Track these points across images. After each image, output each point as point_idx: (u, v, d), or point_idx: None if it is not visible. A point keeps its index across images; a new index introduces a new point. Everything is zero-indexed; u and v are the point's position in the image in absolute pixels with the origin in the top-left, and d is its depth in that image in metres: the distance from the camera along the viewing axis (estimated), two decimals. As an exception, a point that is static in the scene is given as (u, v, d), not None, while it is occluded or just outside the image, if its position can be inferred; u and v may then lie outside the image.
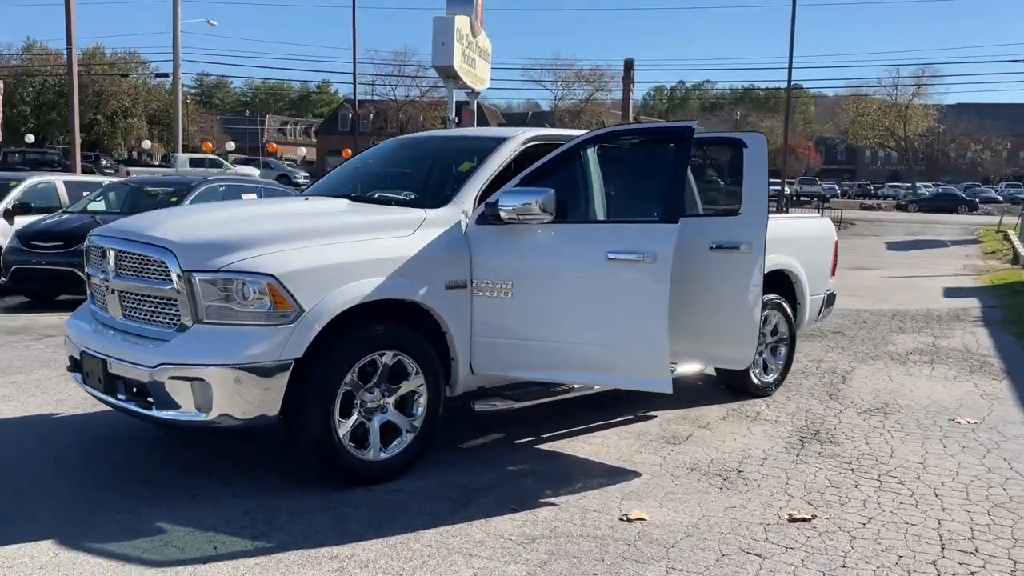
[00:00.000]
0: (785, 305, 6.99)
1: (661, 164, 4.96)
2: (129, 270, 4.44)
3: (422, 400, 4.71)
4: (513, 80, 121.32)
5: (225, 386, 4.03)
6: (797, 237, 7.19)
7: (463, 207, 4.91)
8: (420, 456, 4.75)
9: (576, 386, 5.32)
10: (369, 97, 71.06)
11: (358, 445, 4.49)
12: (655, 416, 6.17)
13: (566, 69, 71.14)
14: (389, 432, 4.63)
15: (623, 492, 4.57)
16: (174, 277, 4.16)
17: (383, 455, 4.57)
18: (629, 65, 58.23)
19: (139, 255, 4.36)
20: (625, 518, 4.19)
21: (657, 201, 4.78)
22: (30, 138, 49.76)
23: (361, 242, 4.49)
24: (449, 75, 28.45)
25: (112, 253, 4.54)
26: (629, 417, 6.11)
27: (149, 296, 4.35)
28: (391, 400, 4.62)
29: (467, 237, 4.86)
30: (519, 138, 5.29)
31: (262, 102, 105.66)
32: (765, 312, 6.80)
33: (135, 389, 4.26)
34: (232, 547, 3.71)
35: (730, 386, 6.89)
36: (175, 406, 4.11)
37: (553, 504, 4.35)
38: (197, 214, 5.11)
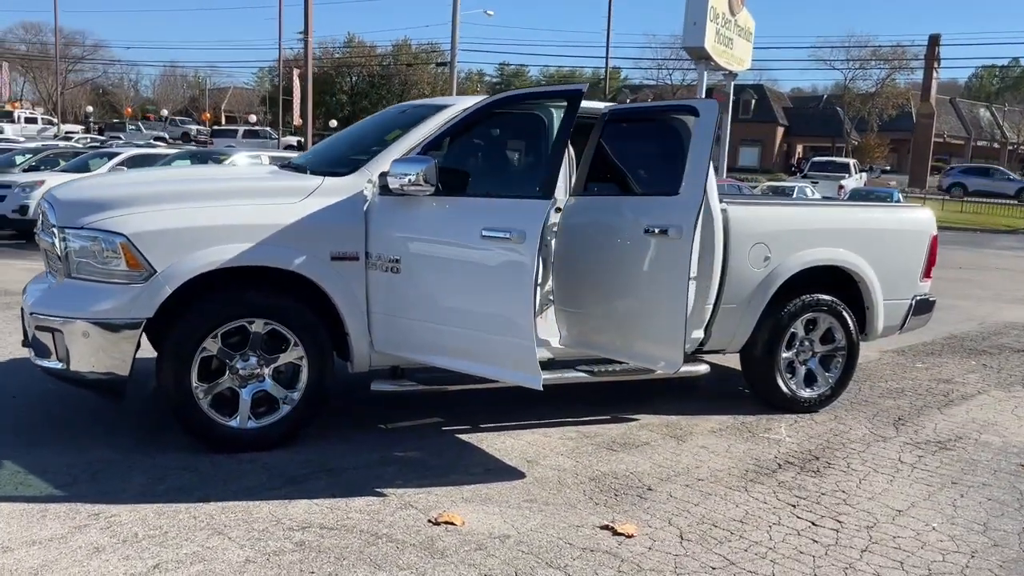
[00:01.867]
0: (843, 309, 5.92)
1: (545, 134, 4.40)
2: (43, 228, 4.77)
3: (303, 373, 4.59)
4: (799, 61, 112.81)
5: (75, 339, 4.20)
6: (864, 229, 6.04)
7: (370, 176, 4.68)
8: (299, 428, 4.63)
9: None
10: (651, 82, 70.60)
11: (226, 412, 4.48)
12: (636, 420, 5.52)
13: (860, 47, 65.44)
14: (265, 402, 4.57)
15: (476, 494, 4.14)
16: (55, 232, 4.40)
17: (252, 424, 4.52)
18: (934, 41, 52.46)
19: (45, 213, 4.67)
20: (434, 520, 3.79)
21: (535, 174, 4.25)
22: (333, 123, 55.49)
23: (237, 207, 4.44)
24: (700, 56, 27.55)
25: (41, 213, 4.91)
26: (605, 417, 5.54)
27: (51, 252, 4.64)
28: (268, 370, 4.55)
29: (369, 208, 4.63)
30: (456, 107, 4.94)
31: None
32: (813, 315, 5.85)
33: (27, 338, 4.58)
34: (28, 490, 3.88)
35: (761, 396, 5.99)
36: (46, 355, 4.35)
37: (382, 495, 4.05)
38: (112, 177, 5.37)
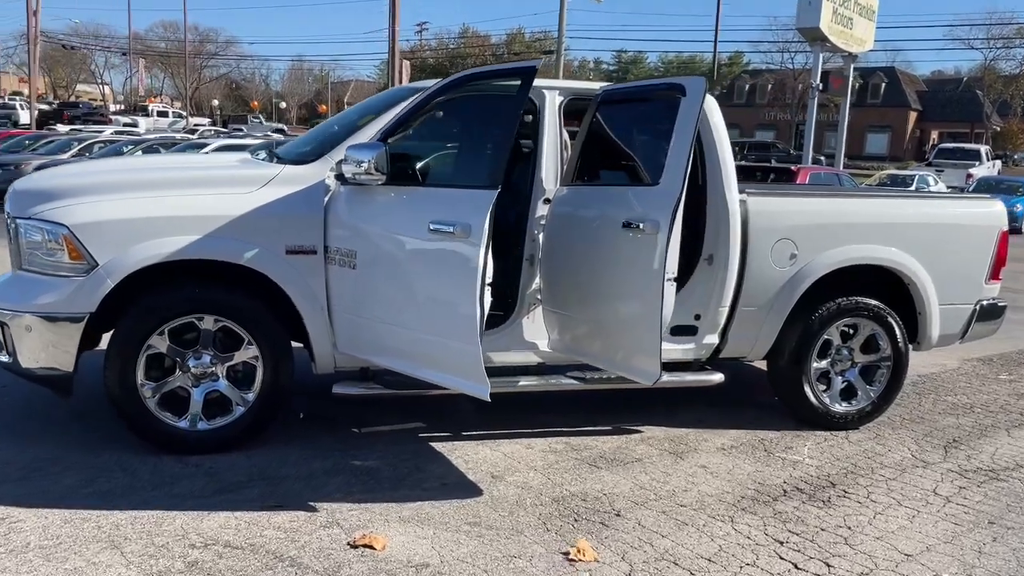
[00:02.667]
0: (887, 314, 5.22)
1: (495, 117, 3.95)
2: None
3: (258, 373, 4.33)
4: (934, 40, 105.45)
5: (19, 332, 4.07)
6: (916, 224, 5.29)
7: (333, 164, 4.36)
8: (255, 431, 4.39)
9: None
10: (772, 66, 67.87)
11: (177, 412, 4.28)
12: (638, 432, 5.02)
13: (1002, 24, 60.73)
14: (220, 403, 4.35)
15: (418, 513, 3.77)
16: (8, 223, 4.29)
17: (204, 426, 4.30)
18: (1090, 17, 47.99)
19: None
20: (353, 543, 3.45)
21: (485, 162, 3.83)
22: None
23: (187, 197, 4.21)
24: (815, 37, 26.14)
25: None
26: (605, 428, 5.06)
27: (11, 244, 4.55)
28: (222, 369, 4.32)
29: (331, 199, 4.32)
30: (434, 88, 4.56)
31: (673, 76, 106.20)
32: (851, 320, 5.19)
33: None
34: (-48, 488, 3.77)
35: (790, 409, 5.37)
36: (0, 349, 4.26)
37: (312, 510, 3.74)
38: (77, 166, 5.23)
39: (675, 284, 4.03)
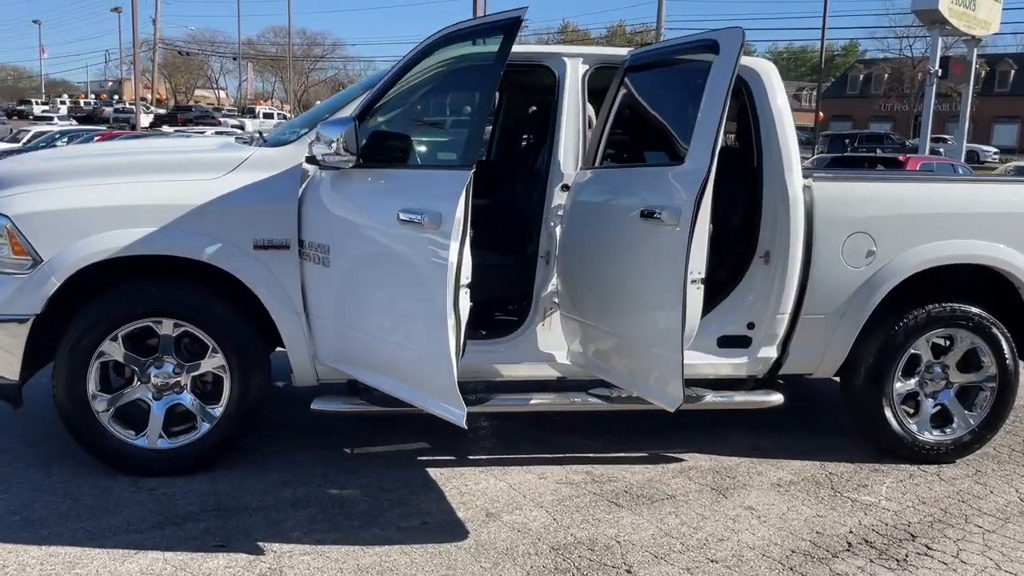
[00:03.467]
0: (992, 325, 4.27)
1: (475, 84, 3.26)
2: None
3: (225, 385, 3.79)
4: None
5: (-37, 336, 3.65)
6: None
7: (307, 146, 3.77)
8: (223, 450, 3.85)
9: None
10: (888, 54, 64.37)
11: (134, 428, 3.78)
12: (680, 460, 4.26)
13: None
14: (185, 419, 3.83)
15: (380, 561, 3.14)
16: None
17: (165, 444, 3.79)
18: None
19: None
20: (286, 599, 2.84)
21: (459, 138, 3.16)
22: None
23: (145, 184, 3.70)
24: (933, 20, 24.32)
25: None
26: (640, 454, 4.32)
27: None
28: (187, 379, 3.80)
29: (308, 186, 3.74)
30: (410, 55, 3.89)
31: (783, 67, 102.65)
32: (946, 332, 4.29)
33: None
34: None
35: (868, 437, 4.49)
36: (-46, 352, 3.85)
37: (257, 553, 3.16)
38: (40, 152, 4.79)
39: (702, 287, 3.24)
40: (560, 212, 4.00)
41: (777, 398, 4.19)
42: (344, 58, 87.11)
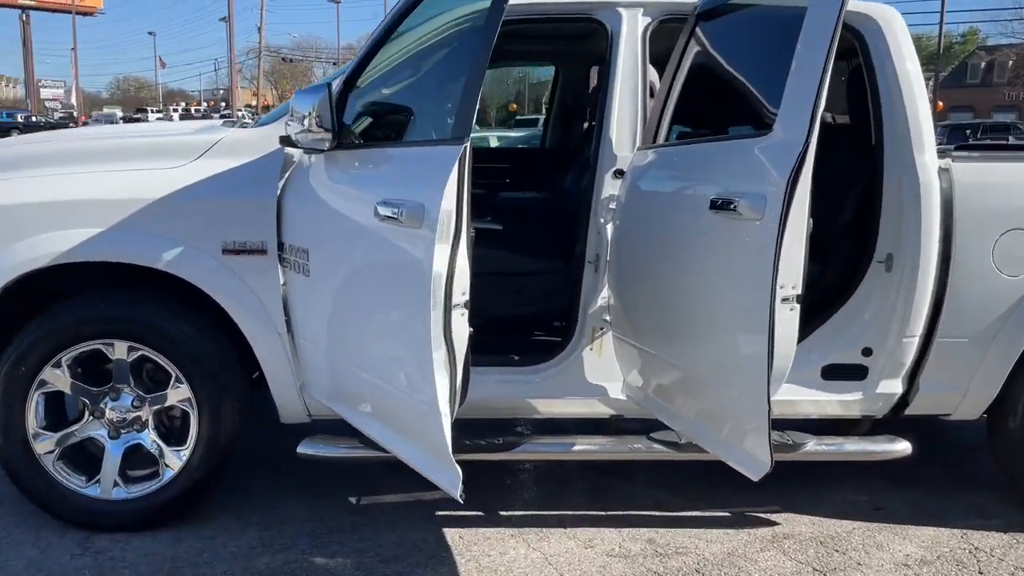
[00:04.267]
0: None
1: (466, 39, 2.41)
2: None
3: (192, 421, 3.07)
4: None
5: None
6: None
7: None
8: (192, 502, 3.13)
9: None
10: (1013, 39, 60.10)
11: (87, 473, 3.10)
12: (770, 524, 3.30)
13: None
14: (149, 461, 3.13)
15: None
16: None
17: (122, 494, 3.09)
18: None
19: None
20: None
21: (448, 107, 2.32)
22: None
23: (95, 174, 3.01)
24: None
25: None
26: (722, 513, 3.39)
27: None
28: (150, 415, 3.10)
29: (292, 174, 2.99)
30: (396, 9, 3.06)
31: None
32: None
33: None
34: None
35: (1025, 496, 3.44)
36: None
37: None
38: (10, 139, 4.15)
39: (798, 306, 2.29)
40: (612, 204, 3.11)
41: (903, 447, 3.19)
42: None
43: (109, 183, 2.96)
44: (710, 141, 2.67)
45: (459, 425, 2.98)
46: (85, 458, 3.12)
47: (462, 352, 2.28)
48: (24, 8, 61.78)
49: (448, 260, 2.16)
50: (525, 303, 3.47)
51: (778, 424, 2.30)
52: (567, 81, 4.81)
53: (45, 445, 3.04)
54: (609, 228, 3.11)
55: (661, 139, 3.10)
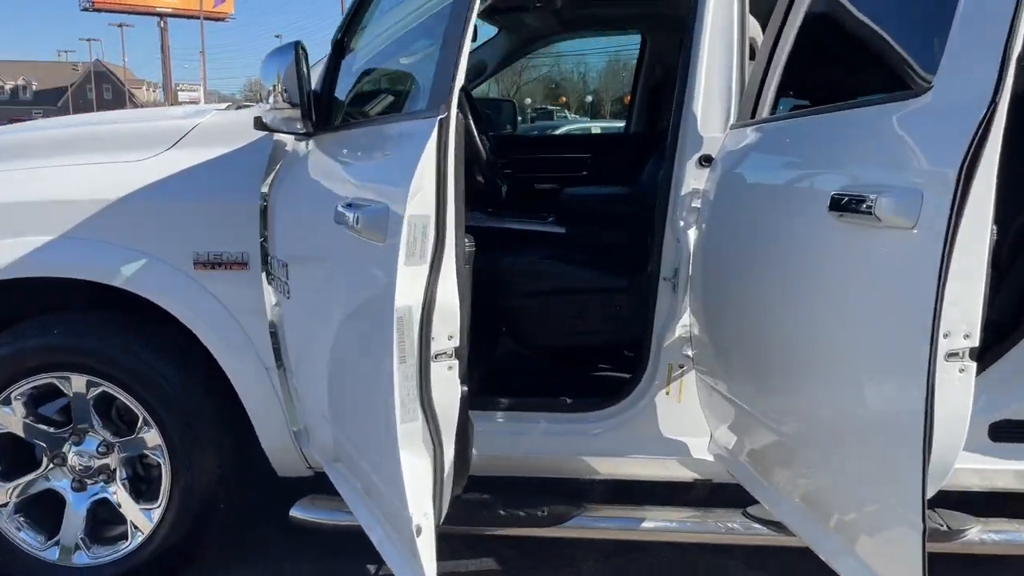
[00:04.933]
0: None
1: None
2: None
3: (164, 472, 2.48)
4: None
5: None
6: None
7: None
8: (168, 571, 2.55)
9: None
10: None
11: (46, 532, 2.57)
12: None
13: None
14: (119, 519, 2.57)
15: None
16: None
17: (84, 559, 2.54)
18: None
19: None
20: None
21: (426, 75, 1.60)
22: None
23: (46, 170, 2.46)
24: None
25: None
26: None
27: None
28: (120, 463, 2.54)
29: (281, 169, 2.36)
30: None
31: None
32: None
33: None
34: None
35: None
36: None
37: None
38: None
39: (970, 365, 1.45)
40: (697, 202, 2.33)
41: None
42: (556, 54, 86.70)
43: (62, 180, 2.40)
44: (837, 111, 1.84)
45: (492, 486, 2.30)
46: (48, 514, 2.58)
47: (450, 420, 1.57)
48: (162, 15, 64.63)
49: (424, 290, 1.46)
50: (582, 329, 2.74)
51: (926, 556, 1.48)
52: (655, 50, 4.03)
53: (-2, 496, 2.51)
54: (691, 234, 2.33)
55: (765, 111, 2.29)
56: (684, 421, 2.42)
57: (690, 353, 2.38)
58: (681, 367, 2.41)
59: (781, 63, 2.29)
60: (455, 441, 1.58)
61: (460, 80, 1.45)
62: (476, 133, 2.73)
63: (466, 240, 1.60)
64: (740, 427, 2.23)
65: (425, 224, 1.42)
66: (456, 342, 1.52)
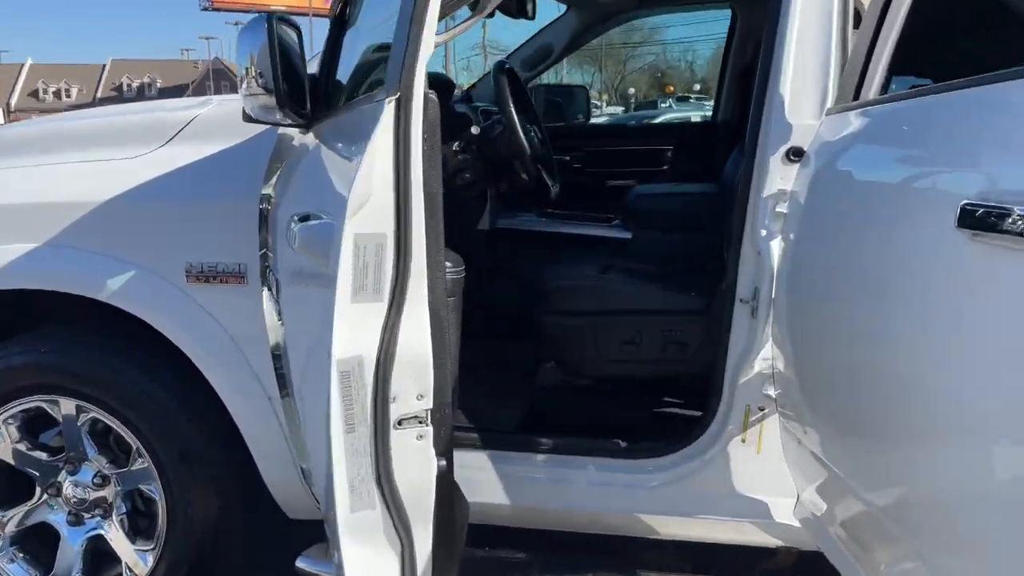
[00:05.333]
0: None
1: None
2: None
3: (159, 509, 2.20)
4: None
5: None
6: None
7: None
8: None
9: None
10: None
11: (41, 567, 2.33)
12: None
13: None
14: (110, 561, 2.31)
15: None
16: None
17: (79, 602, 2.28)
18: None
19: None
20: None
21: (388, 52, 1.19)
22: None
23: (44, 167, 2.21)
24: None
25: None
26: None
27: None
28: (117, 495, 2.27)
29: (285, 167, 2.03)
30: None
31: None
32: None
33: None
34: None
35: None
36: None
37: None
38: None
39: None
40: (783, 206, 1.87)
41: None
42: (662, 43, 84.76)
43: (46, 180, 2.13)
44: (960, 88, 1.36)
45: (527, 543, 1.92)
46: (45, 548, 2.34)
47: (424, 507, 1.18)
48: (274, 13, 66.37)
49: (381, 335, 1.07)
50: (641, 357, 2.30)
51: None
52: (746, 25, 3.53)
53: (-12, 528, 2.28)
54: (775, 246, 1.87)
55: (873, 92, 1.80)
56: (765, 476, 1.97)
57: (772, 393, 1.92)
58: (761, 409, 1.95)
59: (895, 30, 1.80)
60: (432, 533, 1.19)
61: (425, 50, 1.06)
62: (519, 123, 2.34)
63: (448, 265, 1.21)
64: (833, 490, 1.76)
65: (380, 244, 1.04)
66: (428, 403, 1.14)
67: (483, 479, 2.02)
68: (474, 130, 2.35)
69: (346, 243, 1.02)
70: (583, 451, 2.06)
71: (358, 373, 1.06)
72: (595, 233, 2.88)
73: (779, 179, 1.88)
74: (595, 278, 2.38)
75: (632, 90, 71.99)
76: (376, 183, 1.03)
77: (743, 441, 1.97)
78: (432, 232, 1.08)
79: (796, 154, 1.87)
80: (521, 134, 2.31)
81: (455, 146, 2.33)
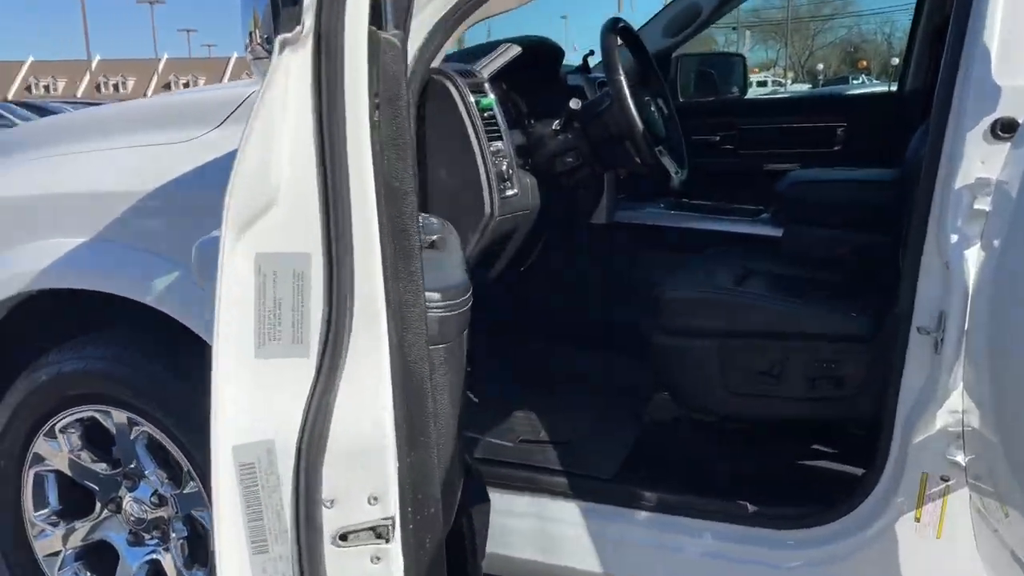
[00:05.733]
0: None
1: None
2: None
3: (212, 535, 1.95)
4: None
5: None
6: None
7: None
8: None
9: None
10: None
11: (101, 584, 2.16)
12: None
13: None
14: (171, 585, 2.10)
15: None
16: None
17: (136, 628, 2.09)
18: None
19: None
20: None
21: None
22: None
23: (92, 153, 2.00)
24: None
25: None
26: None
27: None
28: (176, 516, 2.07)
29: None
30: None
31: None
32: None
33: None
34: None
35: None
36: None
37: None
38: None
39: None
40: (983, 202, 1.34)
41: None
42: (854, 14, 79.28)
43: (95, 167, 1.92)
44: None
45: None
46: (100, 562, 2.16)
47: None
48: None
49: (305, 409, 0.69)
50: (778, 394, 1.80)
51: None
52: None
53: (46, 544, 2.12)
54: (973, 256, 1.34)
55: None
56: (945, 569, 1.44)
57: (962, 460, 1.40)
58: (944, 480, 1.43)
59: None
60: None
61: None
62: (629, 95, 1.89)
63: (435, 296, 0.81)
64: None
65: (300, 271, 0.66)
66: (390, 508, 0.74)
67: (565, 536, 1.63)
68: (573, 104, 1.93)
69: (235, 269, 0.65)
70: (698, 512, 1.61)
71: (266, 465, 0.69)
72: (735, 230, 2.37)
73: (979, 163, 1.35)
74: (726, 290, 1.89)
75: (820, 66, 68.14)
76: (285, 174, 0.66)
77: (917, 520, 1.45)
78: (401, 245, 0.70)
79: (1007, 128, 1.33)
80: (633, 109, 1.87)
81: (555, 124, 1.94)
